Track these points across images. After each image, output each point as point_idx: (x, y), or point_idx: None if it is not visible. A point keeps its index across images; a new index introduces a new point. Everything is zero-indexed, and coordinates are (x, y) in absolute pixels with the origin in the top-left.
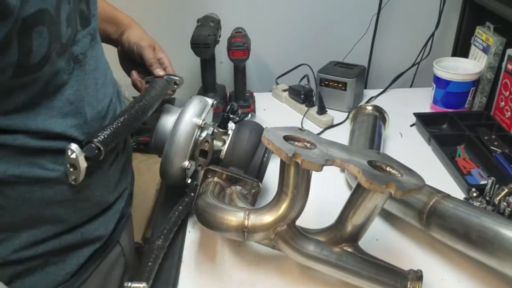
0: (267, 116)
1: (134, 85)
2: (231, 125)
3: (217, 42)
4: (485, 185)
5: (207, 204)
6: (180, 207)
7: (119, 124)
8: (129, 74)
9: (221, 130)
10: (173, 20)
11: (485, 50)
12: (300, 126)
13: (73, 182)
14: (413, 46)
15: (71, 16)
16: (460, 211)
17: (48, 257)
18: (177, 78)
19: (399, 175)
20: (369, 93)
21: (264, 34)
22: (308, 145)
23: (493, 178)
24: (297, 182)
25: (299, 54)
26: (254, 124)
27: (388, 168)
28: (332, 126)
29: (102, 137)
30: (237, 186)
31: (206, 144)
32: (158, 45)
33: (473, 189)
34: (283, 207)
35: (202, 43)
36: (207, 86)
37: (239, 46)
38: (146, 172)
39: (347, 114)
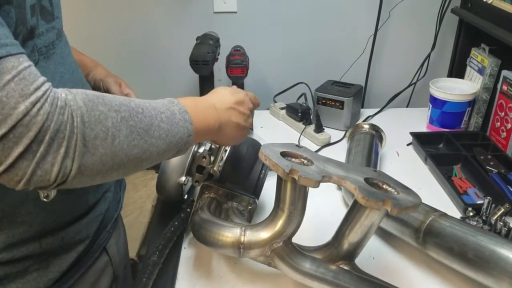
0: (265, 133)
1: None
2: None
3: (216, 59)
4: (482, 204)
5: (203, 220)
6: (176, 223)
7: None
8: None
9: (218, 145)
10: (172, 37)
11: (481, 71)
12: (297, 143)
13: (45, 199)
14: (409, 66)
15: (34, 8)
16: (456, 229)
17: (29, 262)
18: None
19: (395, 192)
20: (366, 112)
21: (262, 52)
22: (305, 161)
23: (489, 197)
24: (294, 198)
25: (297, 73)
26: (251, 140)
27: (384, 186)
28: (329, 144)
29: None
30: (234, 202)
31: (204, 160)
32: (124, 82)
33: (470, 209)
34: (280, 223)
35: (201, 60)
36: None
37: (238, 64)
38: (143, 188)
39: (344, 132)
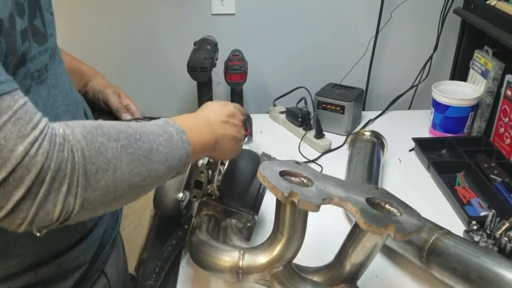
0: (264, 139)
1: None
2: None
3: (214, 65)
4: (486, 217)
5: (201, 241)
6: (174, 241)
7: None
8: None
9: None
10: (169, 39)
11: (484, 74)
12: (296, 160)
13: (38, 234)
14: (411, 68)
15: (26, 32)
16: (460, 250)
17: None
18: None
19: (398, 213)
20: (367, 115)
21: (261, 55)
22: (305, 180)
23: (493, 211)
24: (293, 221)
25: (297, 76)
26: (250, 154)
27: (387, 206)
28: (330, 150)
29: None
30: (233, 219)
31: (202, 174)
32: (123, 92)
33: (474, 222)
34: (279, 247)
35: (199, 66)
36: None
37: (236, 70)
38: (141, 198)
39: (345, 137)
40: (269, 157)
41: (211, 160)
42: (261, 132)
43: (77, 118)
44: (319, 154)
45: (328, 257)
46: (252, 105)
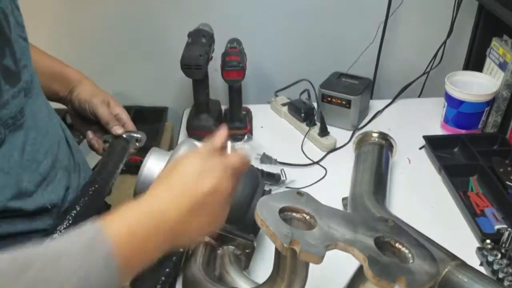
0: (265, 136)
1: (90, 145)
2: None
3: (210, 58)
4: (501, 234)
5: (195, 281)
6: (167, 270)
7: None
8: (84, 135)
9: None
10: (162, 32)
11: (502, 66)
12: (298, 190)
13: None
14: (422, 55)
15: None
16: (474, 287)
17: None
18: (138, 135)
19: (409, 255)
20: (375, 105)
21: (263, 41)
22: (307, 217)
23: (510, 229)
24: (294, 267)
25: (301, 63)
26: (249, 172)
27: (397, 245)
28: (335, 149)
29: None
30: (230, 246)
31: None
32: (113, 99)
33: (488, 241)
34: None
35: (193, 64)
36: (200, 107)
37: (234, 67)
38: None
39: (351, 132)
40: (270, 160)
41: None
42: (261, 127)
43: (60, 156)
44: (324, 153)
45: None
46: (252, 94)
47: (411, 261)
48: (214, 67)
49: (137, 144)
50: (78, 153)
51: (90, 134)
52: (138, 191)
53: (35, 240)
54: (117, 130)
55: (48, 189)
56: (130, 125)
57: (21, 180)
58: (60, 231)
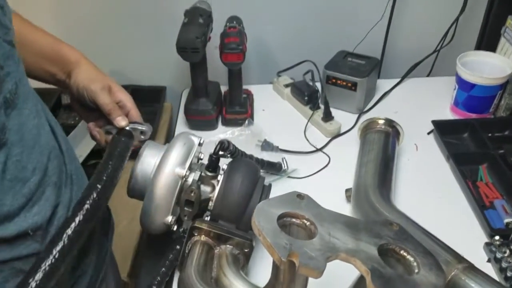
0: (267, 120)
1: (92, 137)
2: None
3: (208, 39)
4: (510, 229)
5: (188, 286)
6: (163, 269)
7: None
8: (85, 120)
9: (209, 174)
10: (160, 9)
11: None
12: (298, 192)
13: None
14: (433, 32)
15: None
16: None
17: None
18: (143, 127)
19: (414, 264)
20: (382, 85)
21: (264, 18)
22: (308, 223)
23: None
24: (292, 277)
25: (305, 41)
26: (247, 167)
27: (402, 252)
28: (339, 135)
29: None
30: (228, 246)
31: (192, 194)
32: (115, 84)
33: (497, 237)
34: None
35: (190, 47)
36: (198, 90)
37: (233, 49)
38: None
39: (356, 116)
40: (271, 147)
41: (203, 174)
42: (263, 110)
43: (50, 171)
44: (327, 140)
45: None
46: (254, 74)
47: (416, 270)
48: (214, 44)
49: (142, 137)
50: (72, 162)
51: (91, 125)
52: (132, 186)
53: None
54: (120, 122)
55: (33, 210)
56: (135, 114)
57: (1, 204)
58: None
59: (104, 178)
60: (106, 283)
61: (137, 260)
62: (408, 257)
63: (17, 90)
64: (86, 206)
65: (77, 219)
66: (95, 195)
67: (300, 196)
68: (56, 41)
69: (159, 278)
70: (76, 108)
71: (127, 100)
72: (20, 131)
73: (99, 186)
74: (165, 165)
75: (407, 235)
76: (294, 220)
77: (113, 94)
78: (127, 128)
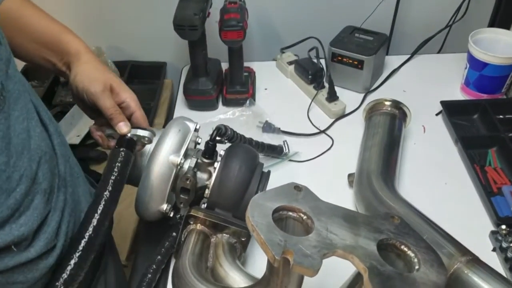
0: (269, 100)
1: (95, 140)
2: (223, 147)
3: (207, 15)
4: None
5: (183, 283)
6: (159, 257)
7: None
8: (90, 117)
9: (206, 160)
10: None
11: None
12: (295, 183)
13: None
14: (445, 7)
15: None
16: None
17: None
18: (145, 135)
19: (415, 260)
20: (391, 62)
21: None
22: (304, 217)
23: None
24: (287, 273)
25: (310, 16)
26: (245, 154)
27: (402, 247)
28: (343, 115)
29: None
30: (224, 234)
31: (188, 182)
32: (118, 81)
33: (503, 227)
34: None
35: (187, 25)
36: (197, 69)
37: (233, 27)
38: None
39: (362, 96)
40: (273, 129)
41: (199, 161)
42: (265, 89)
43: (40, 178)
44: (332, 121)
45: (332, 283)
46: (257, 51)
47: (416, 267)
48: (215, 19)
49: (145, 142)
50: (66, 163)
51: (93, 129)
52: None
53: None
54: (122, 128)
55: (19, 222)
56: (139, 115)
57: None
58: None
59: (104, 199)
60: (105, 274)
61: (136, 243)
62: (409, 252)
63: (3, 91)
64: (87, 234)
65: (75, 255)
66: (95, 223)
67: (297, 187)
68: (58, 27)
69: (154, 266)
70: (79, 105)
71: (131, 99)
72: (7, 136)
73: (100, 209)
74: (158, 154)
75: (409, 229)
76: (290, 213)
77: (115, 94)
78: (129, 135)
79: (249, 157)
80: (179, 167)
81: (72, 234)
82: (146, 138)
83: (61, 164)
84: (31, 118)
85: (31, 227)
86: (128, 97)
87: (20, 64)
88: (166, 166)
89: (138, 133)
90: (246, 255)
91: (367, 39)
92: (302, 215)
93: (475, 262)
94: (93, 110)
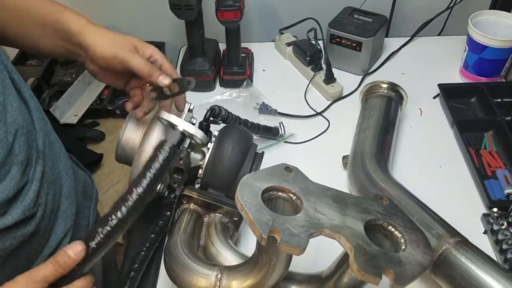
0: (267, 81)
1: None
2: (217, 128)
3: None
4: (510, 201)
5: (175, 261)
6: (153, 235)
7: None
8: (119, 86)
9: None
10: None
11: None
12: (286, 164)
13: None
14: None
15: None
16: (472, 270)
17: None
18: (188, 79)
19: (402, 240)
20: (390, 44)
21: None
22: (294, 197)
23: None
24: (275, 252)
25: None
26: (239, 135)
27: (390, 228)
28: (340, 98)
29: None
30: (217, 214)
31: (181, 162)
32: (138, 41)
33: (495, 209)
34: (260, 275)
35: (183, 4)
36: (194, 49)
37: (230, 7)
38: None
39: (360, 78)
40: (269, 110)
41: (193, 141)
42: (263, 70)
43: (16, 148)
44: (328, 103)
45: (322, 262)
46: (255, 31)
47: (403, 247)
48: None
49: (189, 87)
50: (45, 137)
51: (129, 105)
52: (119, 154)
53: None
54: (164, 80)
55: None
56: (167, 66)
57: None
58: None
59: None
60: None
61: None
62: (396, 233)
63: None
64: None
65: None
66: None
67: (288, 168)
68: (55, 7)
69: (148, 244)
70: (103, 79)
71: (156, 53)
72: None
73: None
74: (151, 134)
75: (397, 210)
76: (280, 193)
77: (141, 52)
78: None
79: (243, 138)
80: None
81: (52, 206)
82: (190, 81)
83: (40, 138)
84: (8, 94)
85: (7, 195)
86: (153, 51)
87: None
88: None
89: (182, 80)
90: (239, 235)
91: (366, 20)
92: (291, 195)
93: (464, 243)
94: (119, 76)
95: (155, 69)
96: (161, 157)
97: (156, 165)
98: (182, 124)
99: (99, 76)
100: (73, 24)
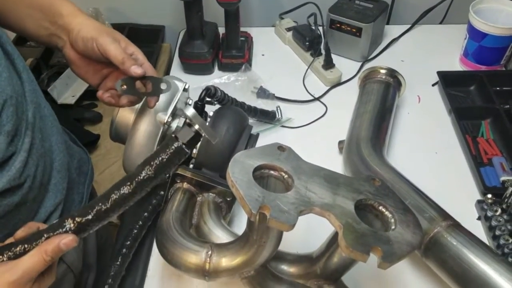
0: (266, 66)
1: (108, 103)
2: (213, 107)
3: None
4: (505, 188)
5: (166, 237)
6: (146, 214)
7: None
8: (92, 82)
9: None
10: None
11: None
12: (279, 143)
13: None
14: None
15: None
16: (463, 253)
17: None
18: (166, 81)
19: (392, 220)
20: (391, 31)
21: None
22: (285, 176)
23: None
24: (265, 230)
25: None
26: (234, 116)
27: (380, 208)
28: (339, 83)
29: None
30: (210, 194)
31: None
32: (124, 38)
33: (489, 196)
34: (251, 253)
35: None
36: (193, 32)
37: None
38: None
39: (360, 64)
40: (267, 94)
41: (188, 120)
42: (263, 55)
43: (4, 118)
44: (327, 88)
45: (313, 243)
46: (256, 16)
47: (393, 227)
48: None
49: (162, 88)
50: (36, 110)
51: (100, 93)
52: (114, 132)
53: None
54: (136, 69)
55: None
56: (149, 67)
57: None
58: None
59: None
60: None
61: None
62: (386, 213)
63: None
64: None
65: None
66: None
67: (281, 148)
68: None
69: (141, 222)
70: (75, 70)
71: (138, 52)
72: None
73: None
74: (145, 111)
75: (389, 191)
76: (272, 172)
77: (124, 46)
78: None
79: (238, 119)
80: (166, 126)
81: (41, 178)
82: (167, 83)
83: (30, 110)
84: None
85: None
86: (135, 50)
87: None
88: (153, 125)
89: (158, 78)
90: (233, 216)
91: (367, 6)
92: (283, 174)
93: (456, 227)
94: (95, 66)
95: (130, 59)
96: (165, 156)
97: (159, 163)
98: (199, 121)
99: (75, 66)
100: (64, 7)
